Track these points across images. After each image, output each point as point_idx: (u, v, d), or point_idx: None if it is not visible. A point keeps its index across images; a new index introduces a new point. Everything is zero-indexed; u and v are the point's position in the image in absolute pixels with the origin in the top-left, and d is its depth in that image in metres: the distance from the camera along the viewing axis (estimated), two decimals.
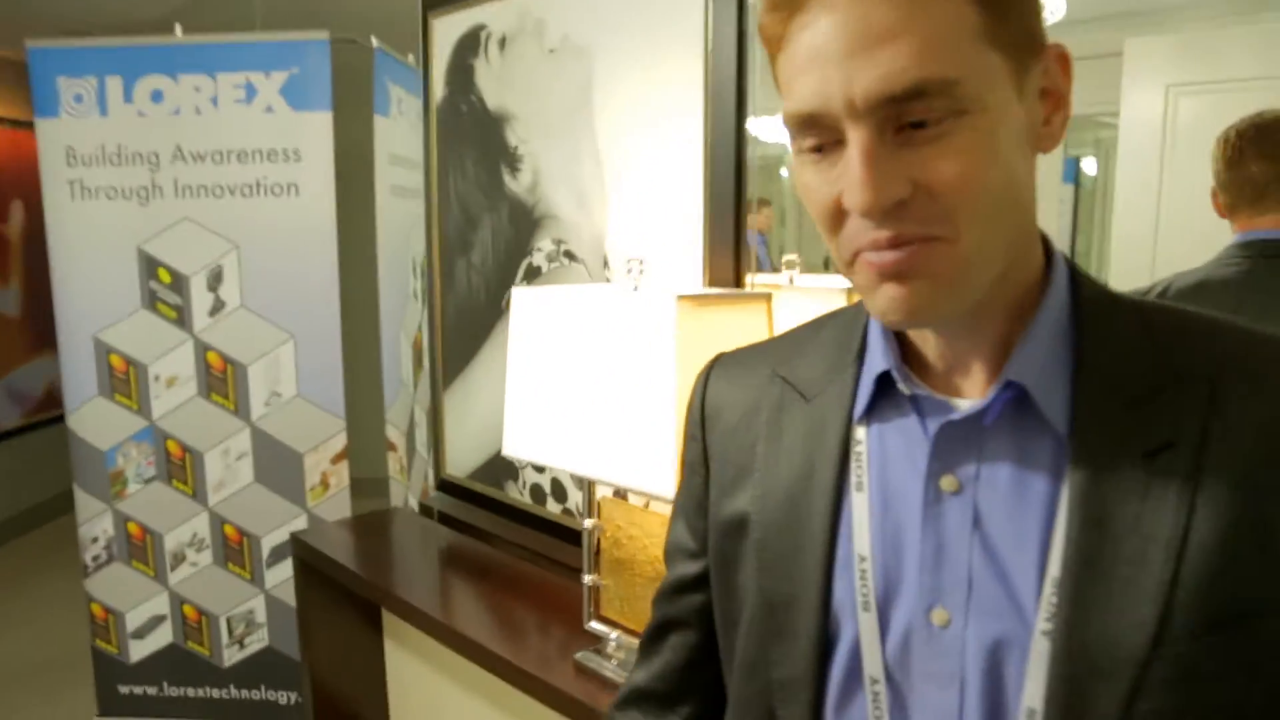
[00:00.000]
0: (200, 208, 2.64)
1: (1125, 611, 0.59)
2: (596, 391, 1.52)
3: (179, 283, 2.67)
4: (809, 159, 0.61)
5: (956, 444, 0.66)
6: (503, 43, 2.15)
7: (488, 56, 2.20)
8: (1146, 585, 0.59)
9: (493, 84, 2.18)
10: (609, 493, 1.76)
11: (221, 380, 2.70)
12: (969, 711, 0.65)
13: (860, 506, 0.70)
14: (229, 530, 2.77)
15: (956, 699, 0.65)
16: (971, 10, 0.56)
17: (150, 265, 2.67)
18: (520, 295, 1.70)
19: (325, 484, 2.76)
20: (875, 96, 0.56)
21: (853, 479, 0.71)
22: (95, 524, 2.79)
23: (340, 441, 2.74)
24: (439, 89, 2.32)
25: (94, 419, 2.74)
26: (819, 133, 0.59)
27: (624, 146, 1.95)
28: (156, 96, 2.61)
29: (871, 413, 0.72)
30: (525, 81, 2.11)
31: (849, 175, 0.58)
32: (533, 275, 2.15)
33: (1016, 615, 0.63)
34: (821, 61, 0.57)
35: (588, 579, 1.69)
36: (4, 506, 4.19)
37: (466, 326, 2.32)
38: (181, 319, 2.68)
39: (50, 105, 2.64)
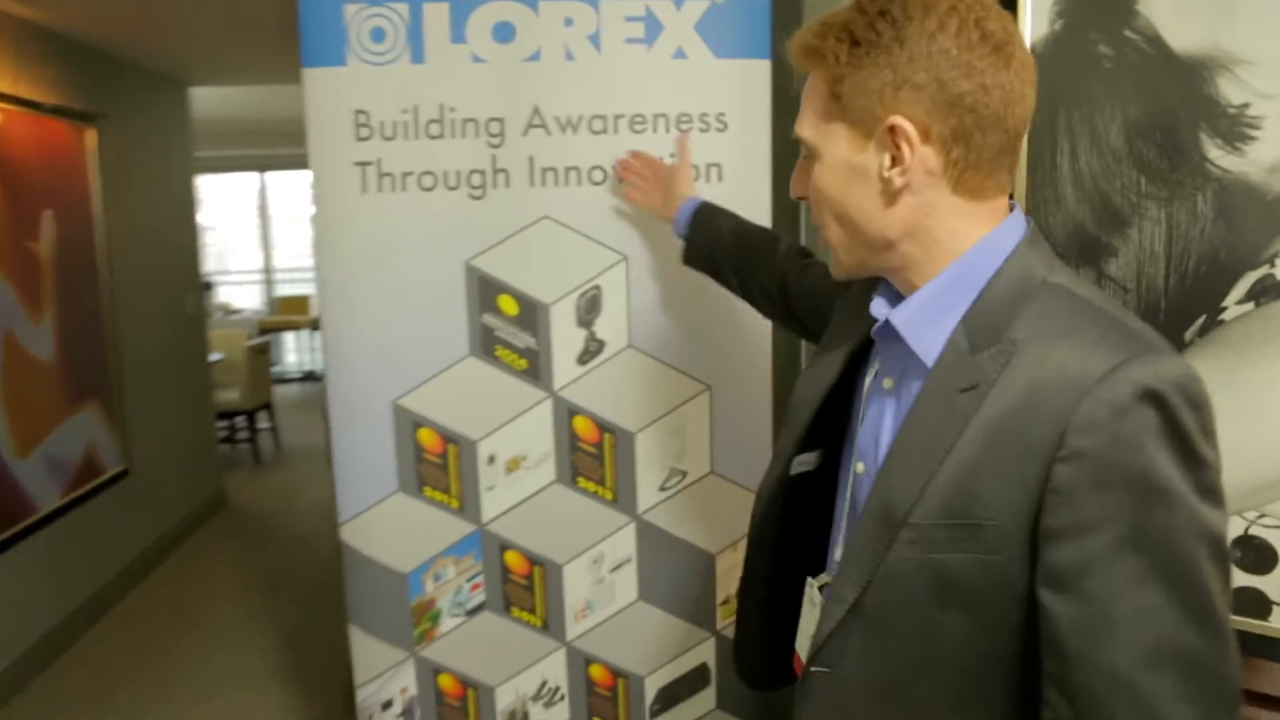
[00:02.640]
0: (568, 201, 1.75)
1: (904, 488, 0.86)
2: None
3: (532, 315, 1.78)
4: None
5: (886, 350, 0.96)
6: None
7: None
8: (919, 476, 0.85)
9: (1191, 13, 1.43)
10: None
11: (595, 457, 1.82)
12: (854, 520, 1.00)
13: (867, 383, 1.01)
14: (597, 672, 1.90)
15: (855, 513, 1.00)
16: (825, 97, 0.88)
17: (486, 290, 1.76)
18: None
19: None
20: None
21: (869, 365, 1.01)
22: (387, 683, 1.85)
23: None
24: (1038, 23, 1.55)
25: (388, 527, 1.81)
26: None
27: None
28: (503, 33, 1.71)
29: None
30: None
31: None
32: (1269, 294, 1.41)
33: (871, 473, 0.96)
34: None
35: None
36: (49, 614, 3.08)
37: None
38: (535, 370, 1.79)
39: (329, 48, 1.69)
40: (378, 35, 1.69)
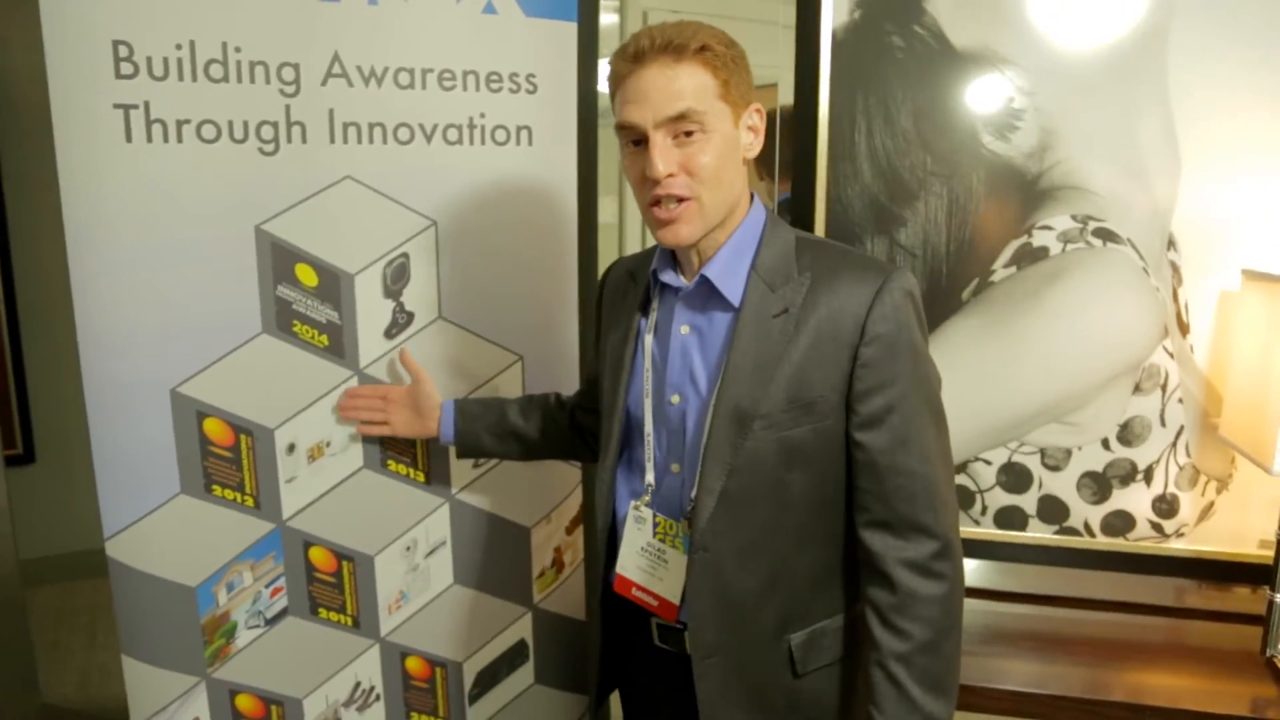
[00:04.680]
0: (372, 160, 1.60)
1: (746, 394, 1.17)
2: None
3: (333, 285, 1.61)
4: (630, 149, 1.17)
5: (683, 306, 1.25)
6: None
7: None
8: (761, 380, 1.16)
9: (970, 15, 1.63)
10: None
11: (405, 439, 1.70)
12: (675, 443, 1.27)
13: (647, 343, 1.29)
14: (413, 664, 1.78)
15: (674, 438, 1.27)
16: (717, 83, 1.13)
17: (281, 258, 1.57)
18: None
19: (559, 564, 1.90)
20: (664, 116, 1.12)
21: (646, 328, 1.30)
22: (173, 717, 1.60)
23: (576, 500, 1.90)
24: (837, 9, 1.67)
25: (169, 536, 1.56)
26: (637, 134, 1.15)
27: (1212, 98, 1.60)
28: None
29: (659, 292, 1.30)
30: (1037, 16, 1.60)
31: (651, 158, 1.13)
32: (1028, 259, 1.68)
33: (699, 396, 1.24)
34: (642, 98, 1.12)
35: None
36: None
37: None
38: (338, 346, 1.63)
39: None
40: None
